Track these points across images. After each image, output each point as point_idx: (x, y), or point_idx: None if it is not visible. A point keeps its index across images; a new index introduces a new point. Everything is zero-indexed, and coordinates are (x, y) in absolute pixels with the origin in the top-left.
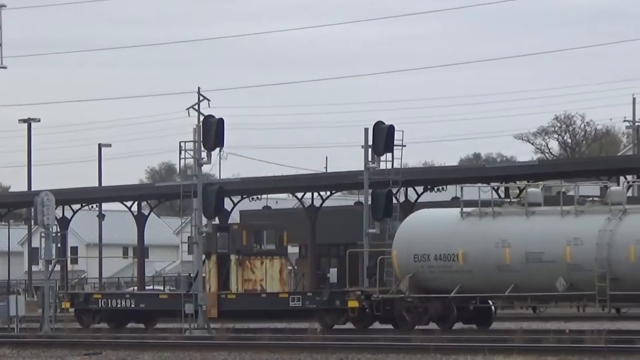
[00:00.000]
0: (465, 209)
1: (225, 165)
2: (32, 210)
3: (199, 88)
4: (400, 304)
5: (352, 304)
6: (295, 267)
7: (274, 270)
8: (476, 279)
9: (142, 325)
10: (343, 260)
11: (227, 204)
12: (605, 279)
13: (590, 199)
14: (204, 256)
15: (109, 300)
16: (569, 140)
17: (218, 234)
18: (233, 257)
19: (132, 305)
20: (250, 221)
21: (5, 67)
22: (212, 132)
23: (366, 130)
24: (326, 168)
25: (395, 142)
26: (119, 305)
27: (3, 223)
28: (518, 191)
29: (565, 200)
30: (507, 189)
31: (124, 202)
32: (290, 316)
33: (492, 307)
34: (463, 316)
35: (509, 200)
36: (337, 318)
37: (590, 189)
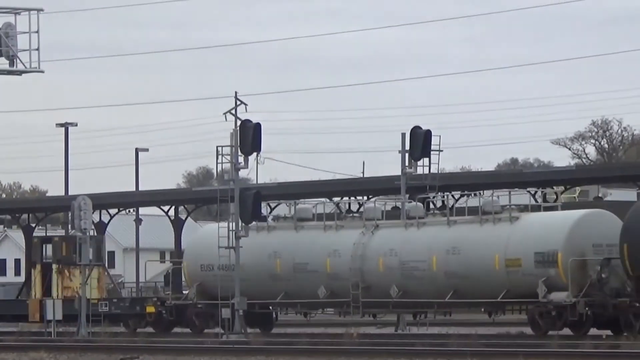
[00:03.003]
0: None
1: (262, 170)
2: (70, 214)
3: (235, 92)
4: (190, 309)
5: (150, 309)
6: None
7: (92, 279)
8: (253, 287)
9: (180, 330)
10: None
11: (264, 208)
12: (358, 287)
13: (351, 214)
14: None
15: None
16: (606, 146)
17: (42, 245)
18: (54, 267)
19: None
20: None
21: (42, 72)
22: (249, 137)
23: (403, 135)
24: (363, 173)
25: (432, 147)
26: None
27: (40, 227)
28: (555, 197)
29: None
30: (544, 195)
31: (161, 207)
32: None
33: (273, 313)
34: (248, 320)
35: (283, 216)
36: (139, 322)
37: (627, 193)
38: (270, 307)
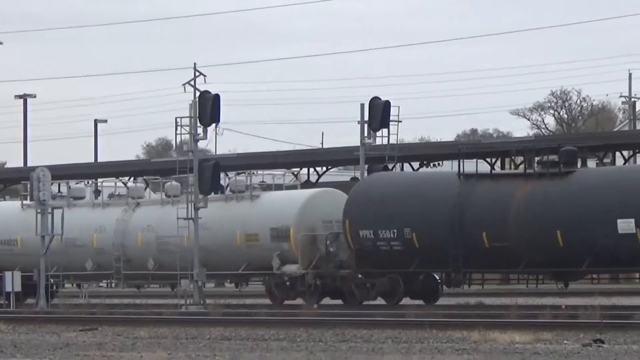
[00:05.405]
0: (25, 202)
1: (221, 141)
2: (28, 186)
3: (194, 64)
4: None
5: None
6: None
7: None
8: (32, 260)
9: (138, 301)
10: None
11: (223, 179)
12: (120, 260)
13: (117, 193)
14: None
15: None
16: (565, 116)
17: None
18: None
19: None
20: None
21: (1, 43)
22: (208, 108)
23: (362, 106)
24: (322, 144)
25: (391, 118)
26: None
27: None
28: (514, 166)
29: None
30: (503, 163)
31: (120, 178)
32: None
33: (54, 285)
34: (30, 292)
35: (59, 194)
36: None
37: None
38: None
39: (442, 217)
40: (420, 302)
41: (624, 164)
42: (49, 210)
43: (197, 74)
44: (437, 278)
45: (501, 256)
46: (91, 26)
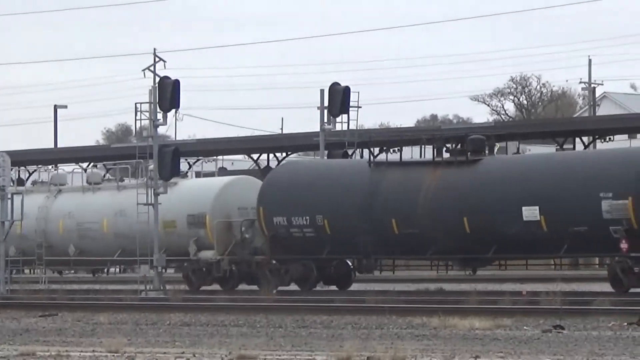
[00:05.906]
0: None
1: (181, 127)
2: None
3: (154, 49)
4: None
5: None
6: None
7: None
8: None
9: (97, 287)
10: None
11: (183, 165)
12: (42, 246)
13: (40, 181)
14: None
15: None
16: (525, 102)
17: None
18: None
19: None
20: None
21: None
22: (167, 94)
23: (322, 91)
24: (282, 129)
25: (351, 104)
26: None
27: None
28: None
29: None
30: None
31: (80, 164)
32: None
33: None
34: None
35: None
36: None
37: (545, 149)
38: None
39: (352, 204)
40: (334, 287)
41: (584, 149)
42: (9, 196)
43: (157, 59)
44: (350, 264)
45: (410, 242)
46: (51, 11)
